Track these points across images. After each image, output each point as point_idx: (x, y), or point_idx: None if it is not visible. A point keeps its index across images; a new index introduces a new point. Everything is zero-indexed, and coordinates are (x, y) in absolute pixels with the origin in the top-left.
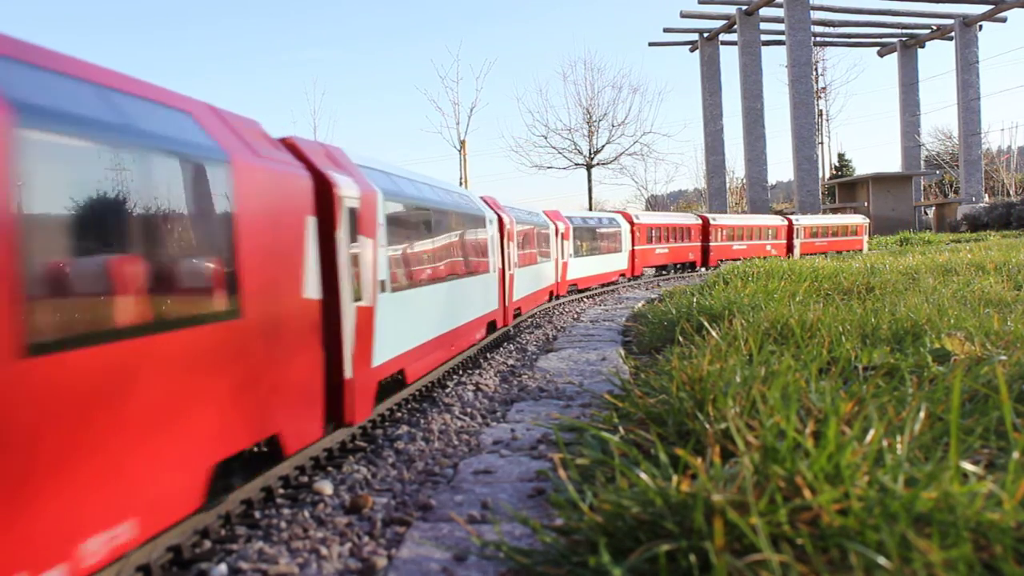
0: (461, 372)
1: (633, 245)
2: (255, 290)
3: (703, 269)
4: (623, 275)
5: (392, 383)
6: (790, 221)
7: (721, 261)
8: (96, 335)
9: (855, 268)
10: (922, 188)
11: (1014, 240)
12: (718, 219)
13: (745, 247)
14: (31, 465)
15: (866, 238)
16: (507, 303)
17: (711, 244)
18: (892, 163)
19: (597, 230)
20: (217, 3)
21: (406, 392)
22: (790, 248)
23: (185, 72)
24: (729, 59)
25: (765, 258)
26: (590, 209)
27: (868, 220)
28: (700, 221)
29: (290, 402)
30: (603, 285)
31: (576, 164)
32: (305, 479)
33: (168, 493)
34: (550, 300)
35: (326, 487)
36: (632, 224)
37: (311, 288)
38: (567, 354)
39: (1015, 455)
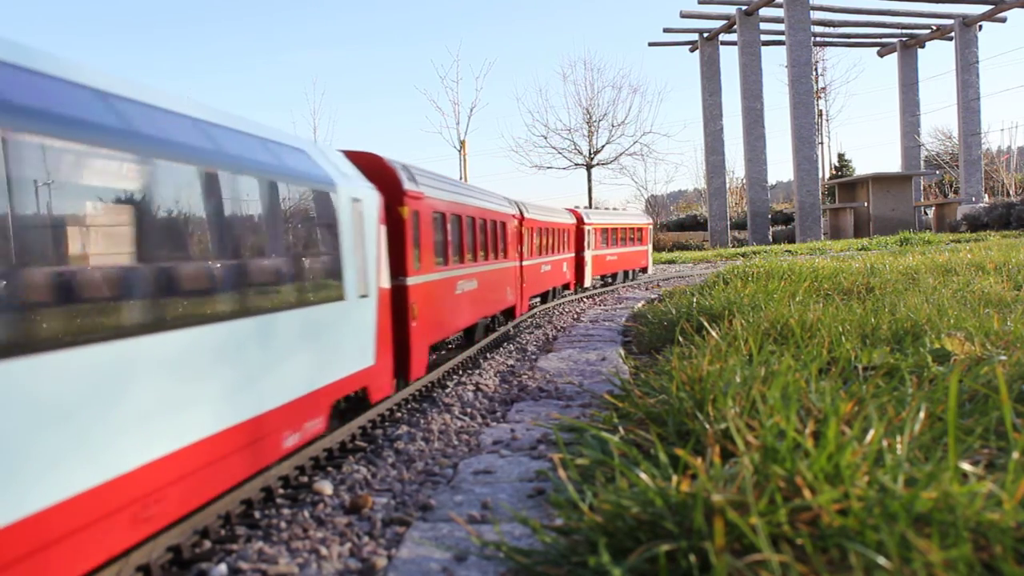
0: (461, 372)
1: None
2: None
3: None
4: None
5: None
6: (579, 218)
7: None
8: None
9: (855, 268)
10: (922, 188)
11: (1014, 240)
12: (531, 212)
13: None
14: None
15: (651, 248)
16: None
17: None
18: (892, 163)
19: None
20: (217, 3)
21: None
22: (580, 264)
23: (185, 72)
24: (729, 59)
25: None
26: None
27: (651, 222)
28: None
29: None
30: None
31: (576, 164)
32: (305, 479)
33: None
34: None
35: (326, 487)
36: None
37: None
38: (567, 354)
39: (1015, 455)
